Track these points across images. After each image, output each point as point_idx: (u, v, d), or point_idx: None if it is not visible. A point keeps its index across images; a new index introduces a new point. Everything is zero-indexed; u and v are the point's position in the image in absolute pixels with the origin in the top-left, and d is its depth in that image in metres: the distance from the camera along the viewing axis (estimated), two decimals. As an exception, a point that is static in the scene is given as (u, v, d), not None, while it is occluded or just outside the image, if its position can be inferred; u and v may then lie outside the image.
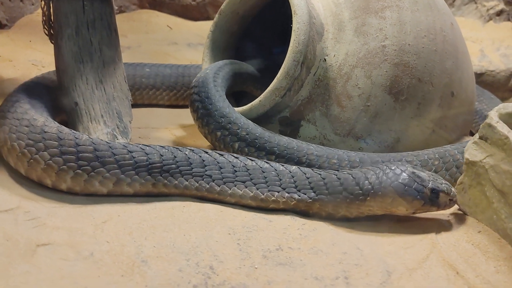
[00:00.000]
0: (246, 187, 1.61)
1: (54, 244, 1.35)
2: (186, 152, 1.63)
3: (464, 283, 1.36)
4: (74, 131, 1.59)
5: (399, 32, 1.91)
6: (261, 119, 1.95)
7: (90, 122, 1.77)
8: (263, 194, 1.60)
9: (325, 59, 1.92)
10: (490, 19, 3.41)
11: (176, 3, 3.62)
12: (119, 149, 1.57)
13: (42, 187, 1.58)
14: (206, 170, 1.61)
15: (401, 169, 1.57)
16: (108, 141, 1.58)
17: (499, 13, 3.41)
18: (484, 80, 2.86)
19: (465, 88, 2.06)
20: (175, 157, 1.61)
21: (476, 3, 3.44)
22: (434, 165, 1.80)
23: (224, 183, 1.61)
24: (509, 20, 3.40)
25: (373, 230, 1.58)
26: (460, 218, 1.64)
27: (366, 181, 1.57)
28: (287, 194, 1.60)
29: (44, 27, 1.92)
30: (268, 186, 1.61)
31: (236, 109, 1.97)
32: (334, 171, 1.65)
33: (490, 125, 1.54)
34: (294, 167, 1.65)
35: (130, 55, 2.96)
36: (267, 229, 1.51)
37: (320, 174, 1.61)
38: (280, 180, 1.62)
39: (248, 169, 1.62)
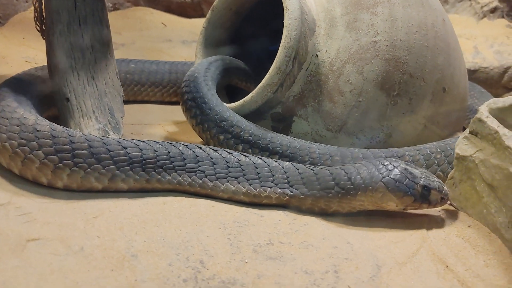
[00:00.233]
0: (239, 182, 1.61)
1: (45, 239, 1.35)
2: (180, 148, 1.63)
3: (453, 276, 1.36)
4: (68, 128, 1.59)
5: (391, 28, 1.91)
6: (253, 115, 1.95)
7: (81, 118, 1.77)
8: (256, 190, 1.61)
9: (317, 54, 1.92)
10: (484, 16, 3.42)
11: (170, 1, 3.62)
12: (114, 145, 1.57)
13: (34, 183, 1.58)
14: (199, 166, 1.61)
15: (393, 165, 1.58)
16: (102, 137, 1.59)
17: (493, 10, 3.41)
18: (477, 77, 2.87)
19: (457, 84, 2.06)
20: (168, 152, 1.61)
21: (470, 0, 3.45)
22: (437, 159, 1.80)
23: (217, 178, 1.61)
24: (503, 17, 3.41)
25: (364, 225, 1.58)
26: (451, 212, 1.65)
27: (358, 176, 1.57)
28: (279, 190, 1.60)
29: (36, 23, 1.92)
30: (261, 182, 1.61)
31: (229, 105, 1.97)
32: (327, 166, 1.66)
33: (480, 120, 1.55)
34: (287, 163, 1.65)
35: (124, 52, 2.96)
36: (258, 224, 1.52)
37: (313, 170, 1.62)
38: (273, 176, 1.62)
39: (241, 165, 1.63)
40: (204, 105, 1.89)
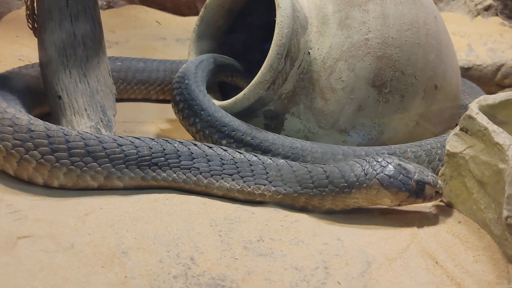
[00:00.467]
0: (233, 180, 1.61)
1: (35, 236, 1.35)
2: (175, 145, 1.63)
3: (442, 272, 1.37)
4: (62, 127, 1.58)
5: (382, 25, 1.92)
6: (245, 112, 1.95)
7: (73, 115, 1.77)
8: (250, 187, 1.61)
9: (309, 52, 1.92)
10: (478, 14, 3.42)
11: (165, -1, 3.62)
12: (109, 143, 1.57)
13: (26, 182, 1.58)
14: (194, 163, 1.62)
15: (387, 161, 1.58)
16: (97, 135, 1.58)
17: (487, 8, 3.42)
18: (471, 74, 2.88)
19: (449, 81, 2.07)
20: (164, 149, 1.61)
21: (464, -2, 3.45)
22: (438, 154, 1.81)
23: (212, 175, 1.61)
24: (497, 15, 3.42)
25: (355, 222, 1.59)
26: (442, 209, 1.66)
27: (352, 173, 1.57)
28: (273, 188, 1.60)
29: (28, 21, 1.92)
30: (255, 180, 1.61)
31: (221, 103, 1.97)
32: (321, 164, 1.66)
33: (470, 117, 1.55)
34: (281, 160, 1.65)
35: (118, 50, 2.95)
36: (249, 220, 1.52)
37: (307, 167, 1.62)
38: (267, 173, 1.62)
39: (236, 162, 1.63)
40: (196, 107, 1.90)
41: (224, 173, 1.61)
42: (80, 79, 1.81)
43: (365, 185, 1.55)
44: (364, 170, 1.57)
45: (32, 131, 1.55)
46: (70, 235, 1.37)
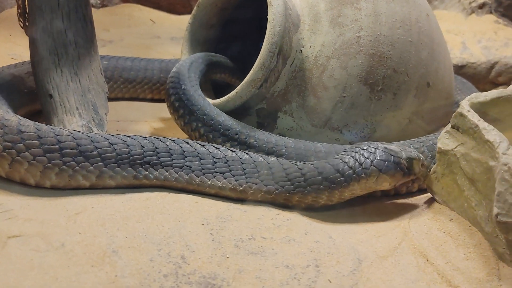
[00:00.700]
0: (225, 178, 1.61)
1: (26, 236, 1.34)
2: (167, 143, 1.62)
3: (433, 270, 1.37)
4: (53, 127, 1.57)
5: (374, 23, 1.91)
6: (238, 111, 1.95)
7: (65, 114, 1.76)
8: (242, 186, 1.60)
9: (301, 50, 1.92)
10: (473, 12, 3.42)
11: (159, -3, 3.62)
12: (101, 142, 1.56)
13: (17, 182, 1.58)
14: (186, 161, 1.61)
15: (374, 147, 1.60)
16: (89, 134, 1.58)
17: (482, 6, 3.42)
18: (465, 72, 2.88)
19: (441, 78, 2.07)
20: (156, 148, 1.61)
21: (459, -4, 3.46)
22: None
23: (204, 174, 1.61)
24: (491, 13, 3.42)
25: (347, 220, 1.59)
26: (433, 206, 1.66)
27: (346, 167, 1.57)
28: (265, 188, 1.60)
29: (19, 20, 1.92)
30: (247, 178, 1.61)
31: (214, 101, 1.97)
32: (311, 162, 1.65)
33: (461, 114, 1.55)
34: (273, 158, 1.65)
35: (112, 49, 2.95)
36: (241, 219, 1.52)
37: (297, 165, 1.61)
38: (259, 172, 1.62)
39: (227, 160, 1.62)
40: (191, 107, 1.90)
41: (216, 171, 1.61)
42: (71, 78, 1.80)
43: (363, 175, 1.56)
44: (357, 160, 1.57)
45: (23, 132, 1.54)
46: (61, 234, 1.36)
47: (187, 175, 1.61)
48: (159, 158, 1.60)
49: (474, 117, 1.50)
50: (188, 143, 1.64)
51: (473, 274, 1.36)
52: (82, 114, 1.77)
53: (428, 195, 1.72)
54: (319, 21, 1.93)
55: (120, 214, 1.48)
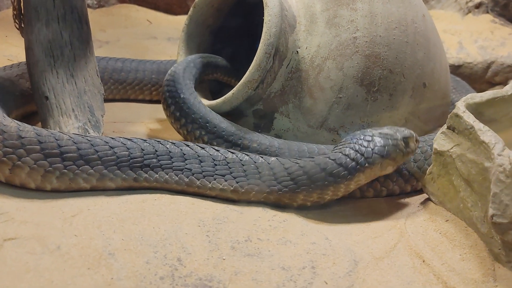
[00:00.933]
0: (226, 180, 1.60)
1: (21, 238, 1.34)
2: (168, 146, 1.62)
3: (429, 271, 1.37)
4: (52, 131, 1.57)
5: (370, 24, 1.92)
6: (235, 112, 1.95)
7: (61, 116, 1.76)
8: (243, 188, 1.60)
9: (297, 51, 1.92)
10: (469, 11, 3.43)
11: (156, -3, 3.61)
12: (101, 145, 1.56)
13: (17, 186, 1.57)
14: (186, 164, 1.61)
15: (370, 135, 1.61)
16: (89, 138, 1.58)
17: (478, 6, 3.43)
18: (461, 72, 2.88)
19: (437, 79, 2.07)
20: (156, 150, 1.61)
21: (455, -4, 3.46)
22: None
23: (204, 176, 1.61)
24: (487, 12, 3.42)
25: (343, 221, 1.59)
26: (429, 207, 1.66)
27: (348, 159, 1.57)
28: (267, 189, 1.59)
29: (15, 21, 1.91)
30: (248, 180, 1.60)
31: (210, 102, 1.97)
32: (311, 158, 1.64)
33: (457, 115, 1.56)
34: (273, 158, 1.64)
35: (109, 50, 2.95)
36: (237, 221, 1.52)
37: (298, 163, 1.60)
38: (260, 173, 1.61)
39: (228, 162, 1.62)
40: (188, 110, 1.90)
41: (216, 174, 1.61)
42: (67, 80, 1.80)
43: (367, 164, 1.56)
44: (358, 151, 1.57)
45: (23, 137, 1.54)
46: (56, 236, 1.36)
47: (187, 177, 1.61)
48: (159, 161, 1.60)
49: (469, 118, 1.51)
50: (188, 145, 1.64)
51: (469, 275, 1.36)
52: (78, 116, 1.77)
53: (424, 195, 1.72)
54: (315, 22, 1.93)
55: (117, 216, 1.48)
